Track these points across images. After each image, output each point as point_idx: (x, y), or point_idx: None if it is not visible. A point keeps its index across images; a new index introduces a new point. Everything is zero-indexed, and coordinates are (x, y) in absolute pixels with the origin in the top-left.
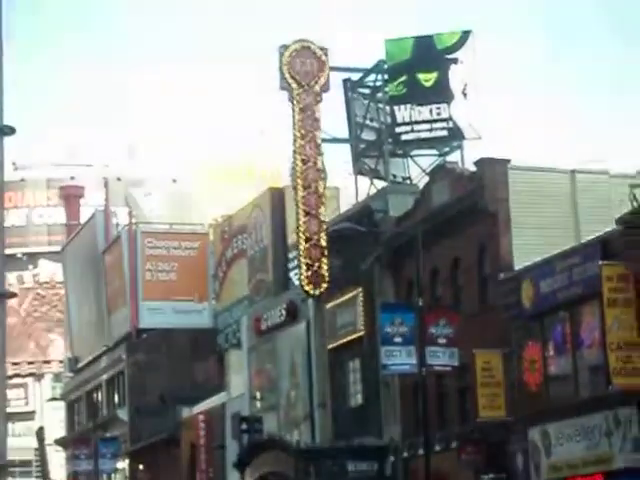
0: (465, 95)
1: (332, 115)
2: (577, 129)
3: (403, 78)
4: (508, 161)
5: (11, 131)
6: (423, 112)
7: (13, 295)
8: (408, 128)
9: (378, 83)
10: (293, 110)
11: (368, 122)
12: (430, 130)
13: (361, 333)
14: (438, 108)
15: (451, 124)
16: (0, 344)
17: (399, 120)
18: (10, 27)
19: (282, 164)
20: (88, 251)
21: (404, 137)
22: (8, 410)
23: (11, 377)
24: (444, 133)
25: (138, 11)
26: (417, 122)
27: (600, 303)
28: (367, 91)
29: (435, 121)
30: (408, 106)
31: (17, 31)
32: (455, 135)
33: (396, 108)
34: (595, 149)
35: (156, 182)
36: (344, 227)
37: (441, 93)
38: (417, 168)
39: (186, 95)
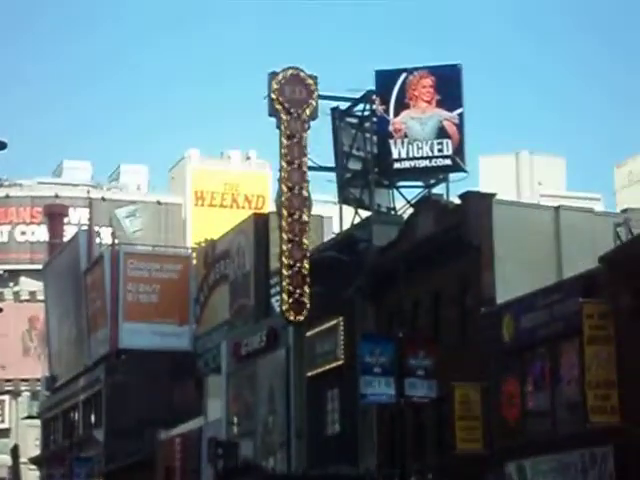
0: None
1: (319, 143)
2: None
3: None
4: (493, 195)
5: (2, 146)
6: (423, 148)
7: None
8: (406, 164)
9: (366, 113)
10: (280, 137)
11: (354, 151)
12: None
13: (341, 362)
14: (440, 144)
15: (449, 161)
16: None
17: (395, 156)
18: None
19: (267, 190)
20: (70, 270)
21: (396, 165)
22: None
23: None
24: (447, 162)
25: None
26: (416, 158)
27: (580, 340)
28: (355, 121)
29: (435, 157)
30: (406, 140)
31: None
32: (456, 169)
33: (391, 141)
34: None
35: (140, 204)
36: (327, 255)
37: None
38: (402, 199)
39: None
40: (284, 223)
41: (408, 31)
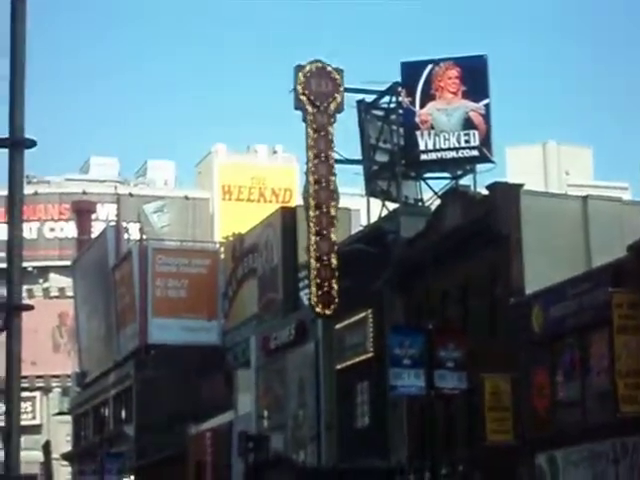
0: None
1: (345, 136)
2: None
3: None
4: (521, 186)
5: (32, 144)
6: (450, 139)
7: (29, 307)
8: (433, 155)
9: (392, 105)
10: (307, 130)
11: (381, 144)
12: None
13: (370, 354)
14: (466, 134)
15: (476, 152)
16: (16, 358)
17: (421, 147)
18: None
19: (294, 184)
20: (98, 266)
21: (423, 157)
22: None
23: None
24: (474, 153)
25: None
26: (442, 149)
27: (610, 330)
28: (381, 113)
29: (462, 148)
30: (432, 132)
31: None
32: (484, 160)
33: (417, 133)
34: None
35: (168, 199)
36: (355, 248)
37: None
38: (429, 191)
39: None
40: (312, 216)
41: (434, 22)
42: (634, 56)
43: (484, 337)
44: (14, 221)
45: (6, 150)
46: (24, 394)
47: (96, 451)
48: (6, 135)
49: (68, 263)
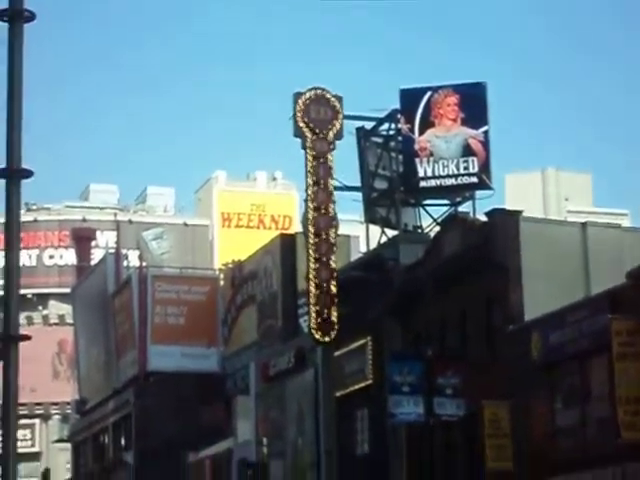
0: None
1: (345, 163)
2: None
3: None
4: (520, 212)
5: (29, 174)
6: (449, 166)
7: (27, 338)
8: (432, 182)
9: (391, 132)
10: (306, 157)
11: (380, 171)
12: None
13: (369, 382)
14: (465, 161)
15: (475, 178)
16: (12, 388)
17: (420, 174)
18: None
19: (294, 211)
20: (98, 293)
21: (422, 184)
22: None
23: (19, 418)
24: (473, 180)
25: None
26: (442, 176)
27: (609, 357)
28: (380, 140)
29: (461, 175)
30: (431, 159)
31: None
32: (483, 186)
33: (417, 160)
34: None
35: (167, 226)
36: (354, 275)
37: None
38: (429, 218)
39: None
40: (311, 243)
41: (433, 48)
42: (634, 82)
43: (483, 364)
44: (12, 251)
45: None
46: (23, 421)
47: (96, 479)
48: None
49: (68, 290)
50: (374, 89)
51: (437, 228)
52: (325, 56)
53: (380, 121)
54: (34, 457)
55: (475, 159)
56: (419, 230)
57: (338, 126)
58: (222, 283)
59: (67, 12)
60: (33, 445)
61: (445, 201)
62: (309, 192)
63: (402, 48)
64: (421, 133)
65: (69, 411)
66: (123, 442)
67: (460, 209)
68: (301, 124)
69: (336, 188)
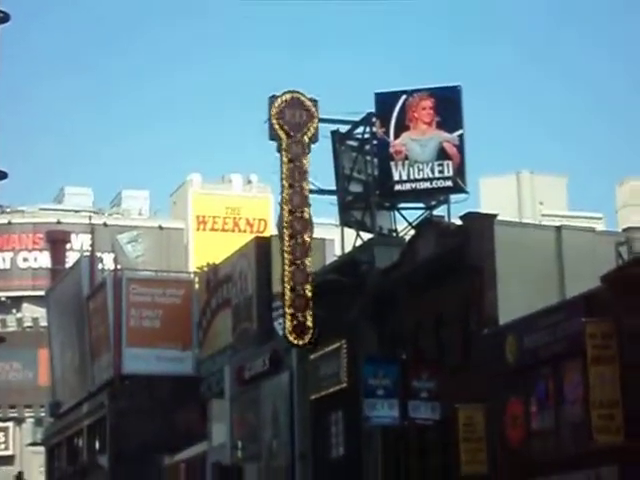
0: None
1: (320, 166)
2: None
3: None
4: (495, 216)
5: (3, 176)
6: (424, 169)
7: (1, 340)
8: (407, 186)
9: (366, 135)
10: (281, 160)
11: (355, 174)
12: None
13: (344, 385)
14: (440, 165)
15: (450, 182)
16: None
17: (395, 178)
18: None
19: (269, 214)
20: (72, 296)
21: (397, 188)
22: None
23: None
24: (448, 184)
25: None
26: (417, 180)
27: (583, 360)
28: (355, 143)
29: (436, 179)
30: (406, 162)
31: None
32: (457, 190)
33: (392, 164)
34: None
35: (142, 229)
36: (329, 278)
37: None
38: (403, 221)
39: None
40: (286, 246)
41: (408, 54)
42: (607, 85)
43: (458, 367)
44: None
45: None
46: None
47: None
48: None
49: (42, 293)
50: (351, 92)
51: (412, 232)
52: (303, 58)
53: (355, 124)
54: (8, 461)
55: (450, 163)
56: (394, 233)
57: (313, 129)
58: (197, 286)
59: (41, 13)
60: (7, 448)
61: (420, 205)
62: (284, 195)
63: (382, 48)
64: (396, 137)
65: (43, 414)
66: (97, 445)
67: (435, 213)
68: (276, 127)
69: (311, 191)
